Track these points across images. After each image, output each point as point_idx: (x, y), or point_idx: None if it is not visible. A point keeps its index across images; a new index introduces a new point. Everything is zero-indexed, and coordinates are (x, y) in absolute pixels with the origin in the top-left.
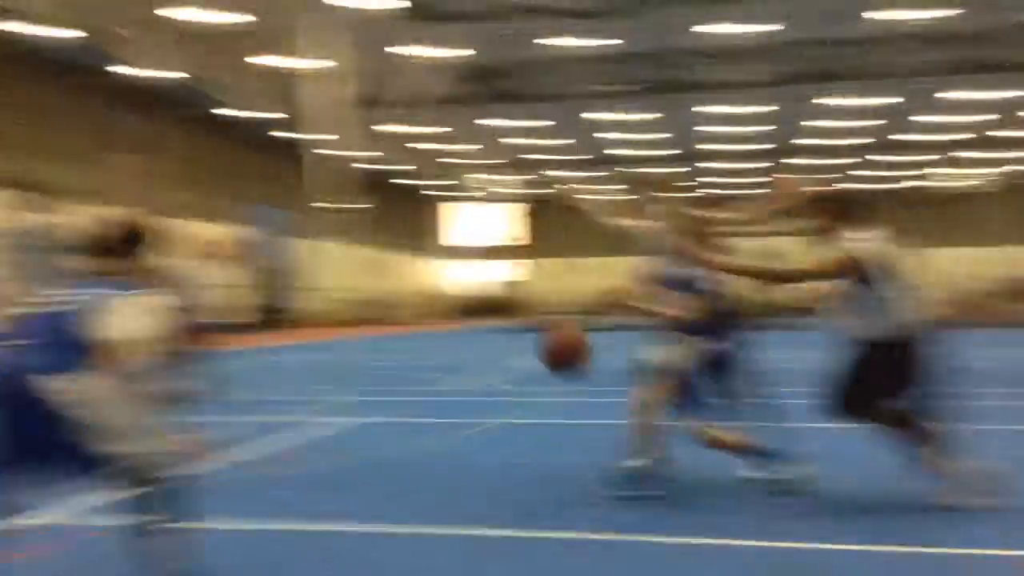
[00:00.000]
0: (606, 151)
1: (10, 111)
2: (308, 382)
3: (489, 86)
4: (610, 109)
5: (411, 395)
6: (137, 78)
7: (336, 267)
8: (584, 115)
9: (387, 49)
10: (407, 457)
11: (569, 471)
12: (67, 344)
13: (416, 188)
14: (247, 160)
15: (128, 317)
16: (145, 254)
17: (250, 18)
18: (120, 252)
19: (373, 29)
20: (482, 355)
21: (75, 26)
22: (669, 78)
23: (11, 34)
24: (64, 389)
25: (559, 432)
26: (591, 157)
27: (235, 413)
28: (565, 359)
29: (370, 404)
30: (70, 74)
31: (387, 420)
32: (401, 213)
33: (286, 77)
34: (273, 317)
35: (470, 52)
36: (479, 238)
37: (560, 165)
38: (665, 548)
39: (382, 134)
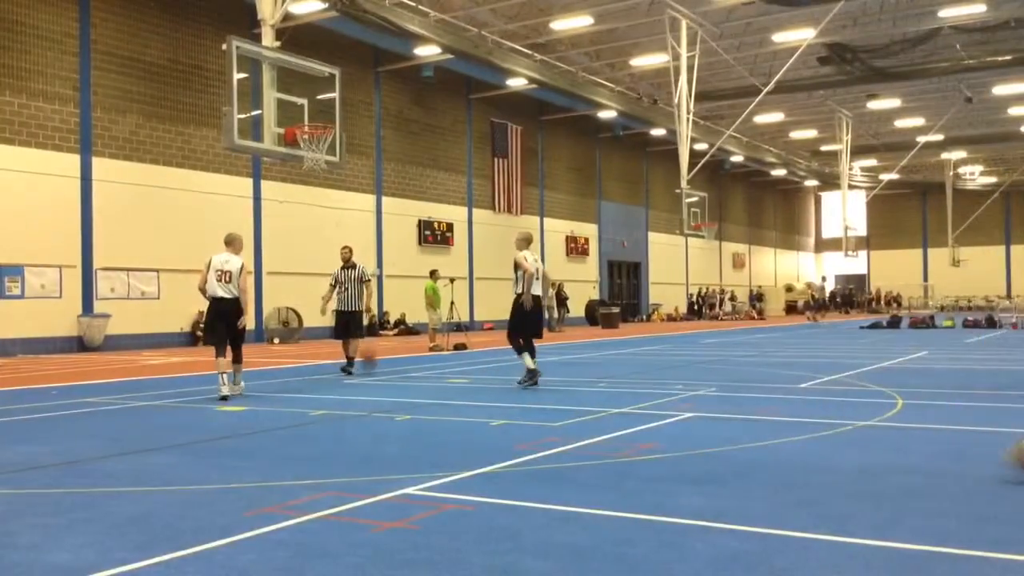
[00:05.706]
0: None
1: (563, 163)
2: (668, 376)
3: (864, 67)
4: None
5: (768, 392)
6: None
7: (698, 262)
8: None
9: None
10: (767, 455)
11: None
12: None
13: (785, 180)
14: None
15: None
16: None
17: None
18: None
19: (736, 18)
20: (848, 352)
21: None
22: None
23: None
24: None
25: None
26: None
27: (602, 402)
28: None
29: (724, 400)
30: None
31: (745, 417)
32: (769, 206)
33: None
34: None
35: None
36: (846, 229)
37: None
38: None
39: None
